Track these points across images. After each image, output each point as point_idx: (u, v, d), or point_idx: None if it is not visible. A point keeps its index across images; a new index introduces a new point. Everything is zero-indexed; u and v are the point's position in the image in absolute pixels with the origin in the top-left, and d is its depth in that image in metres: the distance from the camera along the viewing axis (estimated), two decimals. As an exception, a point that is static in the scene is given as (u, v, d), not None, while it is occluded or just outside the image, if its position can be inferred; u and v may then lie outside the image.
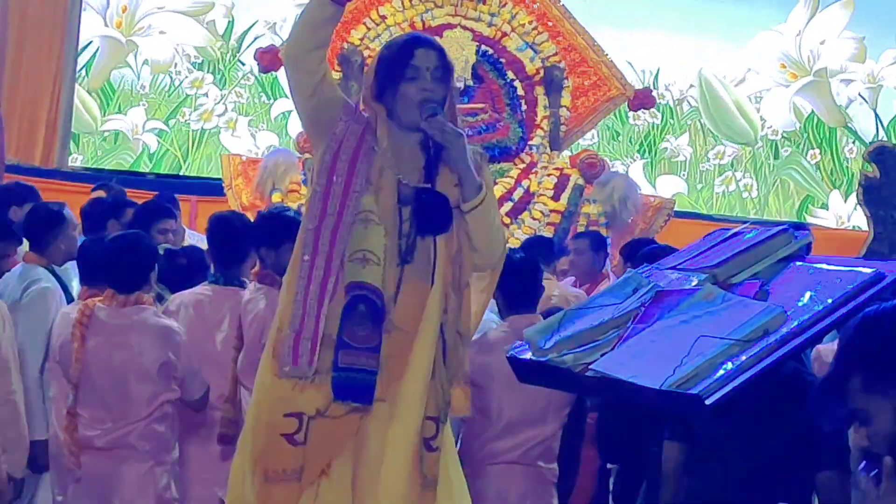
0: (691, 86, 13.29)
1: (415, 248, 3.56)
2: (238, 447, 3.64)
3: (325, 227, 3.50)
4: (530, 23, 9.18)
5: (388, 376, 3.50)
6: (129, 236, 5.04)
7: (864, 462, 2.21)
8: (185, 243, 6.97)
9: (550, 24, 9.26)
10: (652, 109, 11.49)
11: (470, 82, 8.96)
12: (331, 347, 3.48)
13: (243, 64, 12.26)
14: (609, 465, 5.56)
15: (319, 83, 3.52)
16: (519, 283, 4.94)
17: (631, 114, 12.67)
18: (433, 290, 3.53)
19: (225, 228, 5.34)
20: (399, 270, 3.54)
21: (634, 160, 13.07)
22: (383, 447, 3.49)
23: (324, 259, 3.49)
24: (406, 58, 3.57)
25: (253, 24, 12.35)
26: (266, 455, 3.51)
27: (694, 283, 3.47)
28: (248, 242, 5.24)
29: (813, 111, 13.45)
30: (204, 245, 6.46)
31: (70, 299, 5.59)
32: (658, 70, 13.10)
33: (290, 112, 12.10)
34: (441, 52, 3.64)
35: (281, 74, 11.66)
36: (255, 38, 12.23)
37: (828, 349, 5.22)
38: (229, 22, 12.36)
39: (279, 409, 3.49)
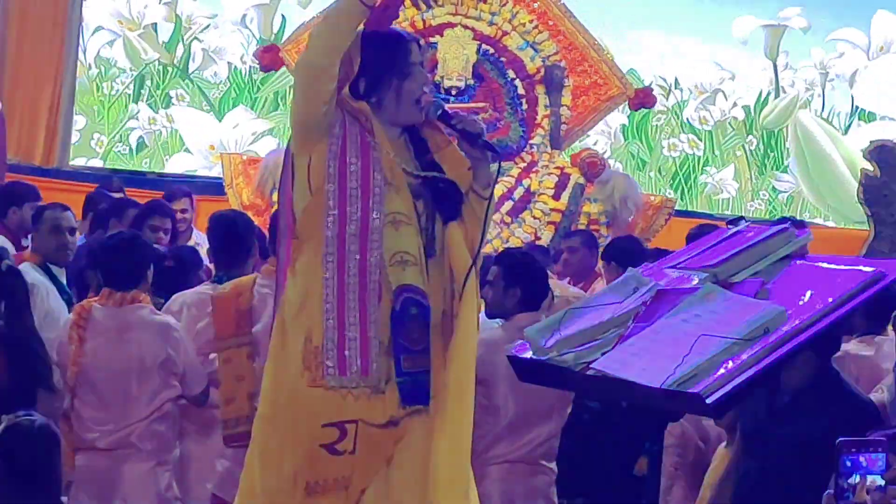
0: (735, 104, 11.32)
1: (434, 241, 3.56)
2: (255, 461, 3.55)
3: (349, 233, 3.44)
4: (531, 22, 9.16)
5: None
6: (125, 234, 5.05)
7: None
8: (191, 242, 6.98)
9: (551, 23, 9.24)
10: (692, 137, 10.18)
11: (470, 81, 8.95)
12: (385, 354, 3.44)
13: (187, 77, 10.79)
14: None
15: (336, 89, 3.46)
16: (525, 283, 4.94)
17: (666, 142, 10.99)
18: (469, 283, 3.49)
19: (227, 228, 5.32)
20: (426, 266, 3.53)
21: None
22: (434, 443, 3.44)
23: (356, 265, 3.44)
24: (405, 54, 3.55)
25: (205, 28, 10.92)
26: (307, 467, 3.43)
27: (695, 282, 3.47)
28: (252, 242, 5.20)
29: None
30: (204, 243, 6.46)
31: (67, 298, 5.59)
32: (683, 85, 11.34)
33: (193, 172, 10.72)
34: (420, 45, 3.63)
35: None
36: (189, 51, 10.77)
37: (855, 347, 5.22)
38: (177, 24, 10.87)
39: (317, 420, 3.43)
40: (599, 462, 5.30)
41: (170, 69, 11.09)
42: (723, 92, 11.73)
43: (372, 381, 3.43)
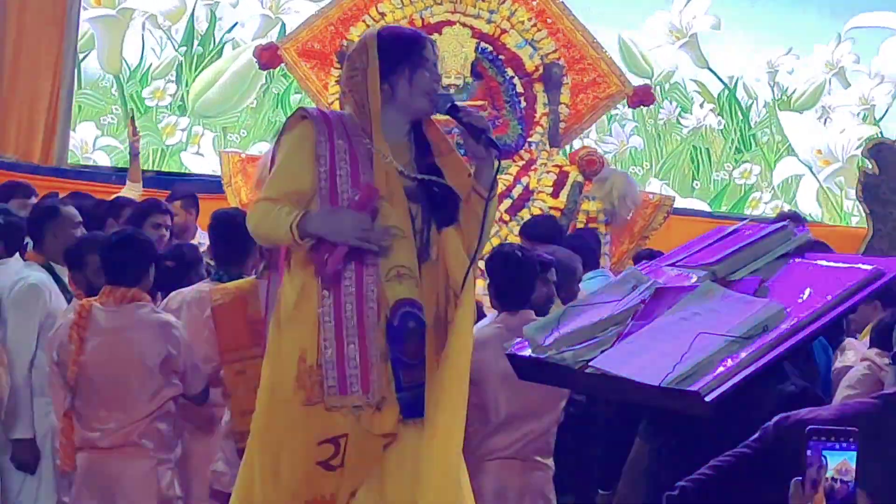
0: (864, 161, 9.09)
1: (429, 245, 3.56)
2: (254, 475, 3.53)
3: (341, 253, 3.42)
4: (529, 20, 9.16)
5: None
6: (128, 230, 5.07)
7: None
8: (195, 241, 6.99)
9: (549, 20, 9.25)
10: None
11: (469, 79, 8.96)
12: (383, 370, 3.45)
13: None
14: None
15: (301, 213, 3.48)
16: (510, 279, 4.94)
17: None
18: (466, 288, 3.50)
19: (227, 226, 5.32)
20: (420, 272, 3.53)
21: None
22: (425, 446, 3.45)
23: (353, 284, 3.44)
24: (421, 48, 3.59)
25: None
26: (305, 486, 3.45)
27: (693, 280, 3.47)
28: (252, 241, 5.19)
29: None
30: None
31: (70, 299, 5.59)
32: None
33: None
34: (434, 47, 3.67)
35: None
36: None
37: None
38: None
39: (313, 439, 3.44)
40: (596, 460, 5.31)
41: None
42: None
43: (373, 398, 3.43)
